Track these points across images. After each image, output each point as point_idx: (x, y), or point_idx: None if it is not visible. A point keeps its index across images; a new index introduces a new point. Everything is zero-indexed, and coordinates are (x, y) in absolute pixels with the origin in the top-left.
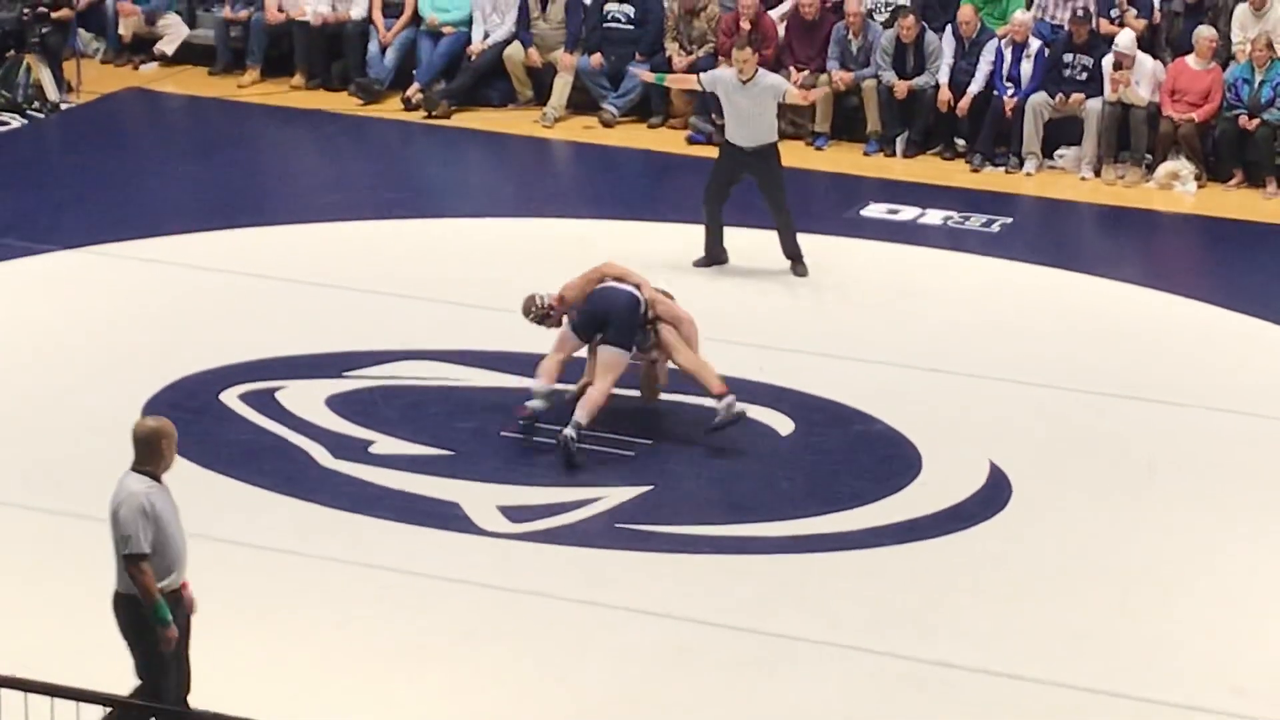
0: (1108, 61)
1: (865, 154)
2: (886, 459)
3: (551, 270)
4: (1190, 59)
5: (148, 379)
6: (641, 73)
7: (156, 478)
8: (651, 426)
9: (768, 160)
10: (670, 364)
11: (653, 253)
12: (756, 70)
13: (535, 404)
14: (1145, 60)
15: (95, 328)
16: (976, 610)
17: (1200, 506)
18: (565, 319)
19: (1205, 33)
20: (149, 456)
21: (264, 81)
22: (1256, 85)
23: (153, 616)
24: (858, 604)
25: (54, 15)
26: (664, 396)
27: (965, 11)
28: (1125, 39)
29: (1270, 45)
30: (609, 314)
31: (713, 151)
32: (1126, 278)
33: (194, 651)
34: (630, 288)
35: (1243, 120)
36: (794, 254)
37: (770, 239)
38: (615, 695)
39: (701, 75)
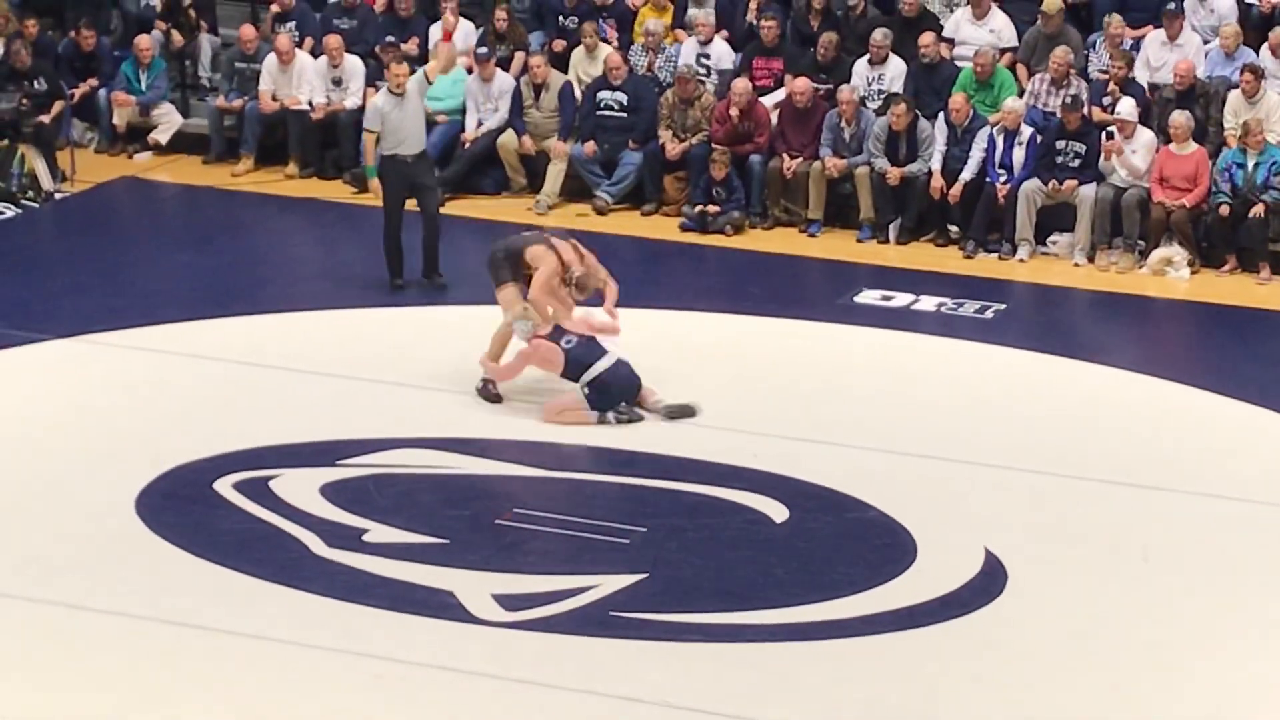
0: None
1: (858, 241)
2: (881, 546)
3: None
4: (1172, 145)
5: (142, 468)
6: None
7: None
8: (645, 514)
9: (428, 167)
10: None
11: (645, 339)
12: (404, 84)
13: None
14: (1144, 131)
15: (89, 416)
16: (974, 699)
17: (1196, 593)
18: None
19: (1178, 118)
20: None
21: (258, 170)
22: (1250, 169)
23: None
24: (854, 692)
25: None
26: (656, 483)
27: (957, 99)
28: (1126, 106)
29: (1262, 130)
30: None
31: (706, 239)
32: (1120, 364)
33: None
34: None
35: (1224, 209)
36: (436, 266)
37: (762, 325)
38: None
39: (367, 113)
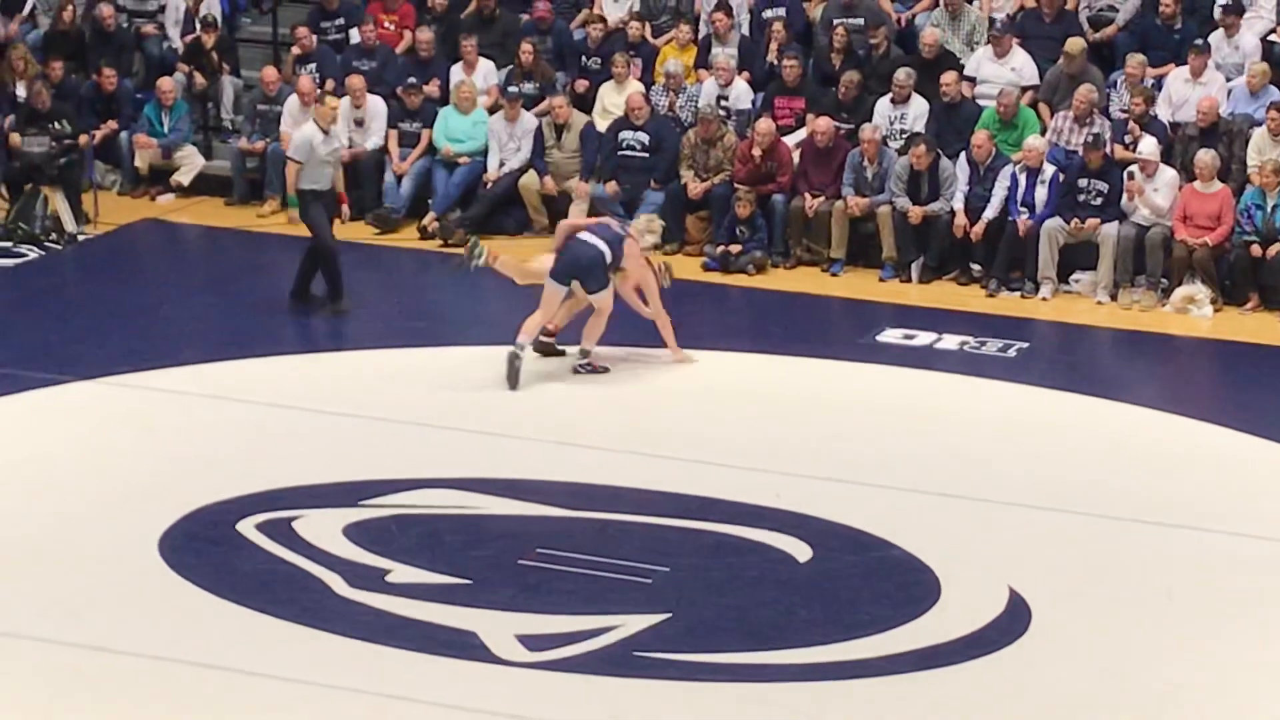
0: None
1: (881, 280)
2: (905, 585)
3: (567, 397)
4: (1196, 184)
5: (165, 509)
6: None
7: None
8: (668, 553)
9: (334, 198)
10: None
11: (669, 378)
12: (336, 119)
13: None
14: (1166, 170)
15: (112, 458)
16: None
17: (1222, 632)
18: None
19: (1204, 157)
20: None
21: (282, 211)
22: (1270, 210)
23: None
24: None
25: (80, 143)
26: (679, 523)
27: (980, 136)
28: (1148, 144)
29: (1278, 171)
30: (580, 265)
31: (728, 279)
32: (1143, 402)
33: None
34: (599, 242)
35: (1255, 249)
36: (340, 291)
37: (785, 364)
38: None
39: (294, 143)
